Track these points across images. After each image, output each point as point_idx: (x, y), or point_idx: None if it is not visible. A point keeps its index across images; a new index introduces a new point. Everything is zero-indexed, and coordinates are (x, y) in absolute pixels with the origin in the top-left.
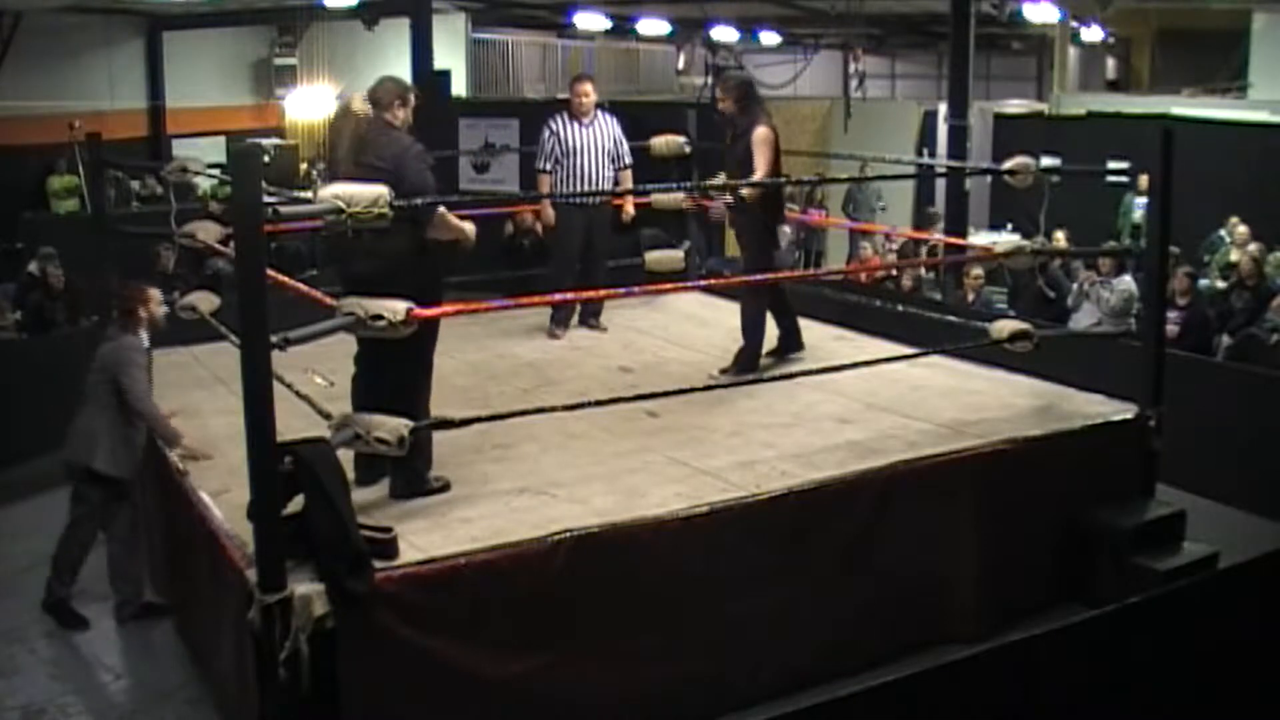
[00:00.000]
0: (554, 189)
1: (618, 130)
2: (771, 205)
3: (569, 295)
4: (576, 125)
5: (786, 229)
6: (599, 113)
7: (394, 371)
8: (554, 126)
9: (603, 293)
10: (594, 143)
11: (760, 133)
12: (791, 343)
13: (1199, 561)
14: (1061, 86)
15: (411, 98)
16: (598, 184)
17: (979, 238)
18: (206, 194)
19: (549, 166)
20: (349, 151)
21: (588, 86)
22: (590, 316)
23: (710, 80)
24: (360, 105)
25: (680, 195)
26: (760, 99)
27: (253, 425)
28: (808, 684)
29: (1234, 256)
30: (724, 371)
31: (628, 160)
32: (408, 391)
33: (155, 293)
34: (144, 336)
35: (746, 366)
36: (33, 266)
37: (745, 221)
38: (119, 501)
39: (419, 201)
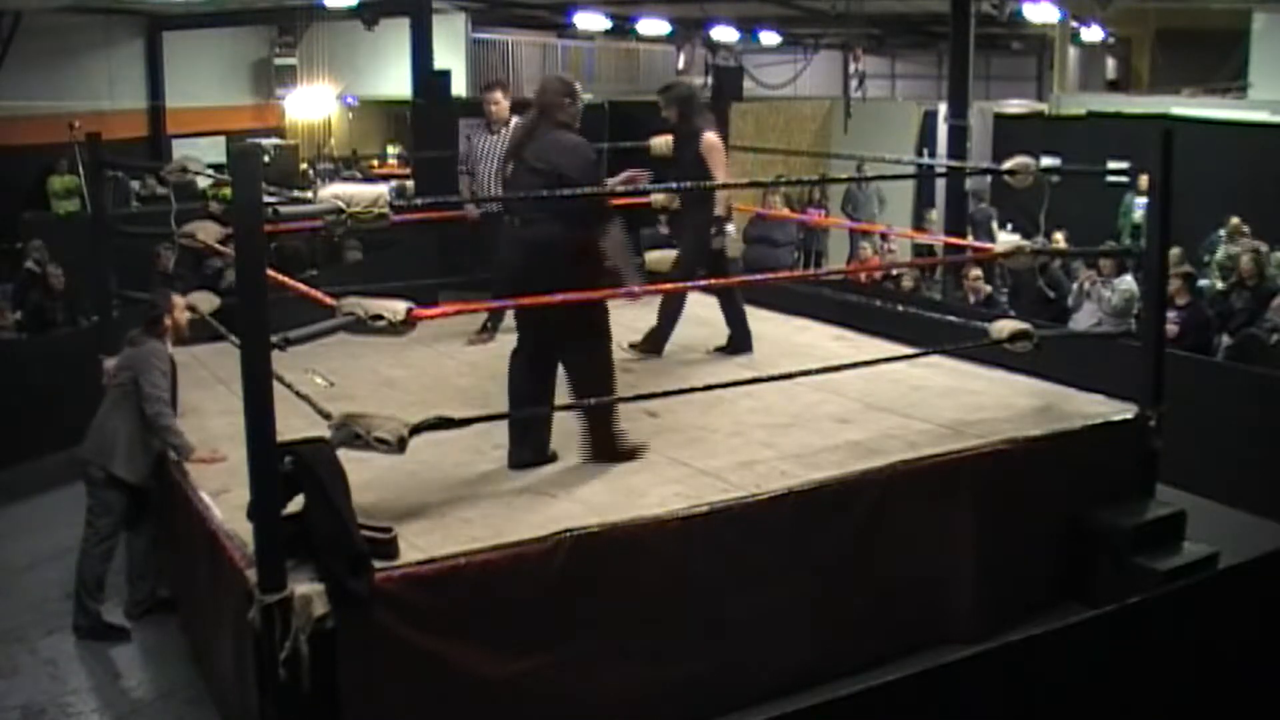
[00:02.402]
0: (473, 195)
1: None
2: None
3: (564, 297)
4: (486, 134)
5: (730, 228)
6: (516, 120)
7: (576, 357)
8: (469, 134)
9: (603, 292)
10: (496, 153)
11: (708, 139)
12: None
13: (1199, 561)
14: (1061, 86)
15: (578, 90)
16: (496, 194)
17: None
18: (207, 194)
19: (464, 170)
20: (512, 147)
21: (496, 95)
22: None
23: (710, 80)
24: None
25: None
26: (704, 108)
27: (253, 425)
28: (808, 684)
29: (1234, 251)
30: (720, 349)
31: None
32: (605, 372)
33: (180, 300)
34: (168, 344)
35: (745, 346)
36: (29, 263)
37: (686, 221)
38: (141, 504)
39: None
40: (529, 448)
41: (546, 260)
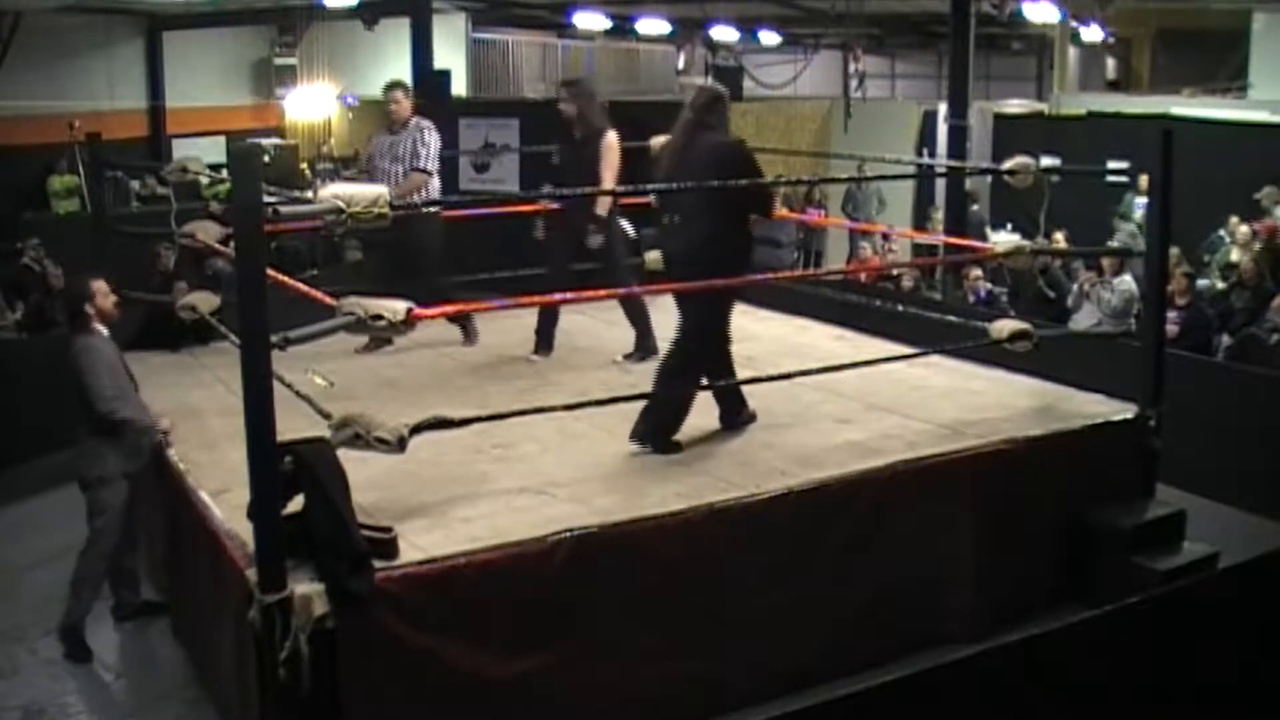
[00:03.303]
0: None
1: (419, 136)
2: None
3: (567, 296)
4: (386, 134)
5: (627, 224)
6: (416, 121)
7: (694, 337)
8: (374, 135)
9: (603, 292)
10: (391, 152)
11: (610, 138)
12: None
13: (1199, 561)
14: (1061, 86)
15: (726, 95)
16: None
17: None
18: (204, 194)
19: (365, 171)
20: (672, 150)
21: (398, 95)
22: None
23: (710, 80)
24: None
25: None
26: (603, 109)
27: (253, 425)
28: (808, 684)
29: (1234, 256)
30: (627, 358)
31: (418, 164)
32: (700, 357)
33: (101, 284)
34: (102, 331)
35: (651, 349)
36: (24, 260)
37: (567, 220)
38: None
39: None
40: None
41: (705, 253)
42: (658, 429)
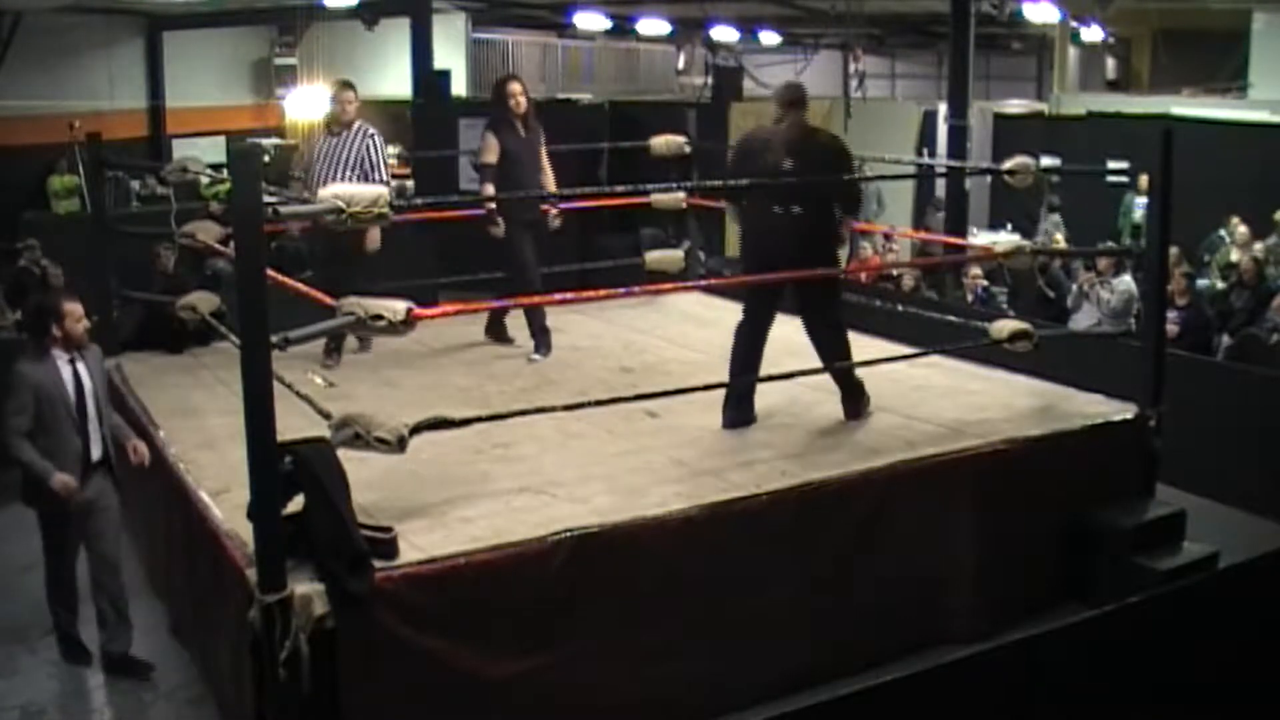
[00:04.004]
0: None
1: (371, 144)
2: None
3: (564, 297)
4: (326, 135)
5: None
6: (361, 126)
7: (829, 327)
8: (316, 136)
9: (602, 292)
10: (332, 156)
11: (540, 127)
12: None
13: (1199, 561)
14: (1061, 86)
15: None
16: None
17: (979, 238)
18: (204, 194)
19: (298, 176)
20: (783, 143)
21: (350, 95)
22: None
23: (710, 80)
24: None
25: (680, 195)
26: None
27: (253, 425)
28: (808, 684)
29: (1234, 256)
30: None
31: (377, 176)
32: (844, 339)
33: (76, 307)
34: (58, 355)
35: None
36: (22, 262)
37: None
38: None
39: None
40: (743, 411)
41: (824, 242)
42: (861, 396)
